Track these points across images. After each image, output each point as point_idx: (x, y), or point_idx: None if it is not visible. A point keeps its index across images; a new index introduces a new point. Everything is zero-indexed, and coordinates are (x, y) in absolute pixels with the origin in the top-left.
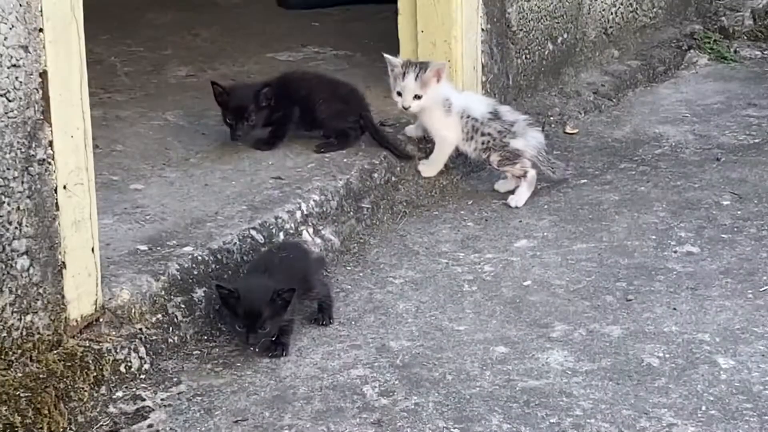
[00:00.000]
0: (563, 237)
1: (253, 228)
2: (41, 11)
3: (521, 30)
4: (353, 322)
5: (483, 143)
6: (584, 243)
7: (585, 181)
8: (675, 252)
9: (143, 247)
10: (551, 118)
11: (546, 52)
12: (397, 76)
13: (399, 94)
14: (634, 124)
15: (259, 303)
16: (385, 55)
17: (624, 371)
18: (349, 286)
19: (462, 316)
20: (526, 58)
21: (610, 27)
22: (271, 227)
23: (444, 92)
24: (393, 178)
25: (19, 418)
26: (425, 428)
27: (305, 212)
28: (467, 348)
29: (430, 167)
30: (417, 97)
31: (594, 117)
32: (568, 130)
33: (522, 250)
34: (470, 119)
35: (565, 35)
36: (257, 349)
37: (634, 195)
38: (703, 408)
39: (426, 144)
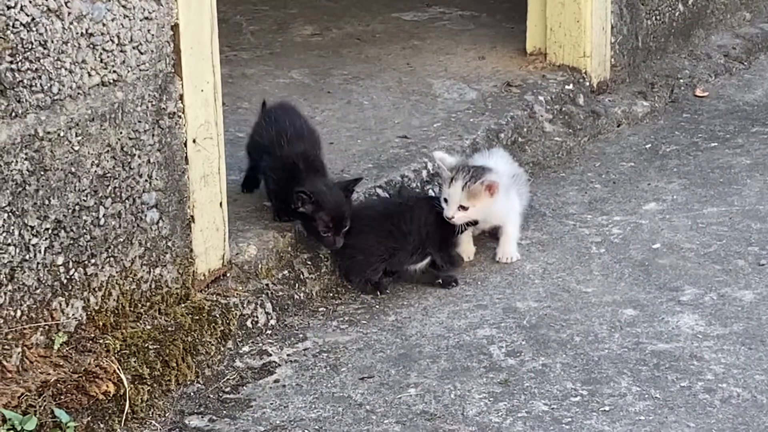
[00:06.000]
0: (693, 200)
1: (379, 186)
2: None
3: None
4: (479, 283)
5: None
6: (715, 207)
7: (715, 144)
8: None
9: (270, 203)
10: (681, 81)
11: (676, 14)
12: (445, 181)
13: (445, 200)
14: (765, 87)
15: None
16: (436, 155)
17: (757, 336)
18: (475, 246)
19: (590, 278)
20: (656, 19)
21: None
22: (396, 186)
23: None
24: (520, 139)
25: (148, 369)
26: (553, 389)
27: (431, 171)
28: (595, 310)
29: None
30: (463, 207)
31: (725, 80)
32: (699, 93)
33: (651, 213)
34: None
35: None
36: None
37: (767, 159)
38: None
39: None
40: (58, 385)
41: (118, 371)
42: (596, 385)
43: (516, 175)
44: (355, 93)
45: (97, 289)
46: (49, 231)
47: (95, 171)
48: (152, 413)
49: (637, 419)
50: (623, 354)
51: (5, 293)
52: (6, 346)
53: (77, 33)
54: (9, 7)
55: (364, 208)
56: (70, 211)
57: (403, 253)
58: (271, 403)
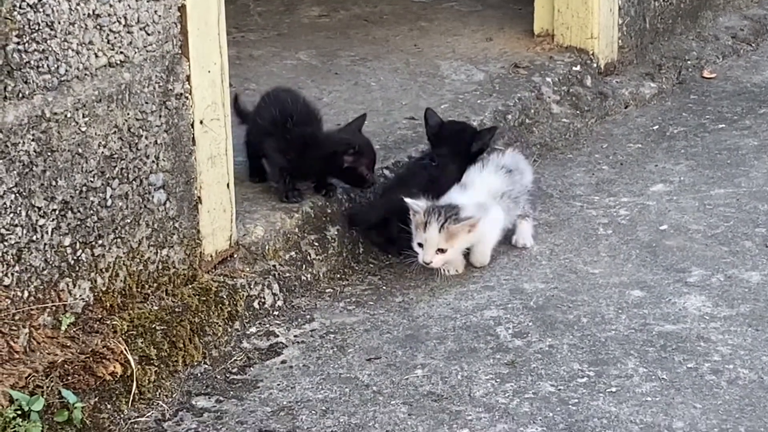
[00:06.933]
0: (700, 182)
1: (386, 167)
2: None
3: None
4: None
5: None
6: (722, 188)
7: (723, 126)
8: None
9: (277, 184)
10: (688, 63)
11: None
12: (418, 225)
13: (420, 245)
14: None
15: None
16: (407, 200)
17: (764, 317)
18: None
19: (597, 259)
20: (663, 0)
21: None
22: (402, 165)
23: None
24: (527, 120)
25: (155, 350)
26: (560, 370)
27: None
28: (602, 291)
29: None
30: (441, 250)
31: (732, 62)
32: (706, 74)
33: (658, 195)
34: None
35: None
36: None
37: None
38: None
39: None
40: (66, 365)
41: (125, 352)
42: (603, 366)
43: (505, 192)
44: (363, 74)
45: (104, 270)
46: (56, 212)
47: (102, 152)
48: (159, 394)
49: (644, 400)
50: (630, 335)
51: (12, 274)
52: (13, 327)
53: (84, 14)
54: None
55: (417, 174)
56: (77, 192)
57: None
58: (278, 384)
